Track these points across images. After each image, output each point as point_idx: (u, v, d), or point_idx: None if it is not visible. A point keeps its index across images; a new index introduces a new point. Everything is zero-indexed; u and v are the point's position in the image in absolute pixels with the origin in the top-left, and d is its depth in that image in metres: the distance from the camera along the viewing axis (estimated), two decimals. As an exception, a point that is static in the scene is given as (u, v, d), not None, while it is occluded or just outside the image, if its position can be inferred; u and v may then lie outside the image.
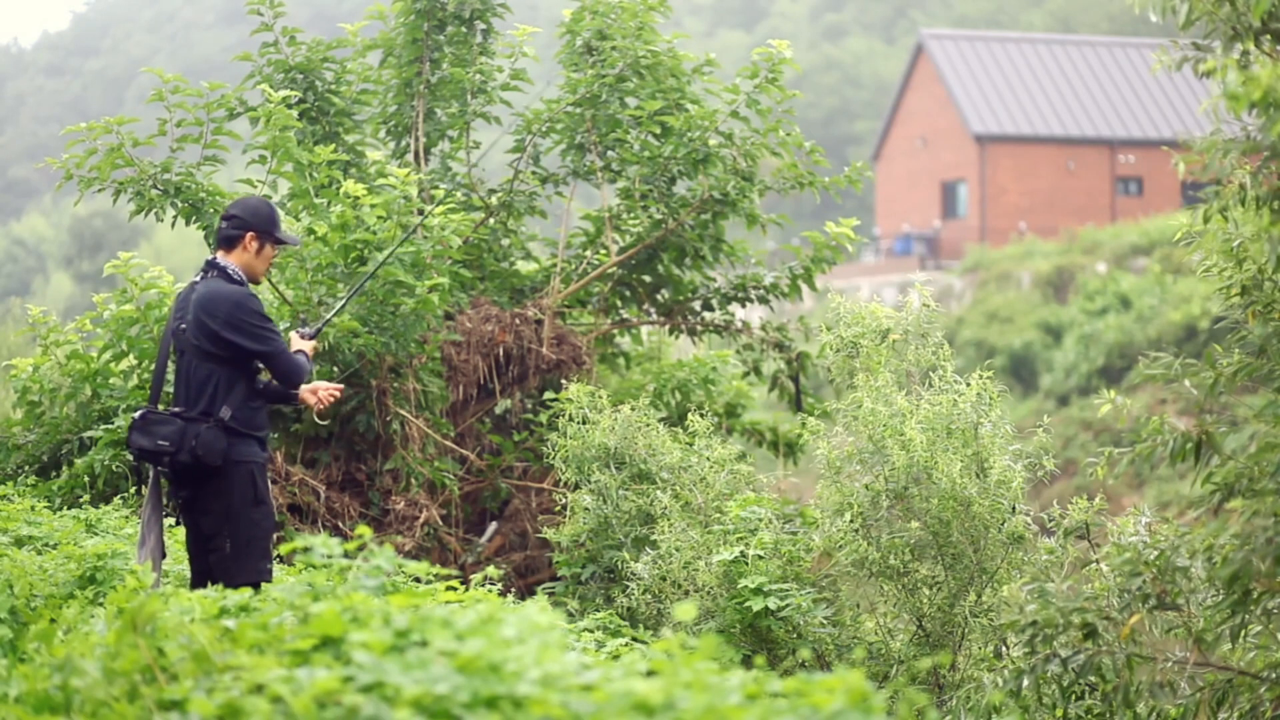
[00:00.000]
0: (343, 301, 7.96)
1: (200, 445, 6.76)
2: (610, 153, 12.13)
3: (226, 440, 6.82)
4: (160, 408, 6.97)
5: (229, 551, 6.79)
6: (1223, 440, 6.21)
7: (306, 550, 4.12)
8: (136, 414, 6.91)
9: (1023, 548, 8.22)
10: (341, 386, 7.52)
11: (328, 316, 7.98)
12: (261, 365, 7.00)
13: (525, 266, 12.45)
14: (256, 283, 7.18)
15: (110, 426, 10.12)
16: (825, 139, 62.32)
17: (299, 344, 7.28)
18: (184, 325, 6.99)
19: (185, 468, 6.78)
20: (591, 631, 8.40)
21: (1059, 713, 7.37)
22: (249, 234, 7.11)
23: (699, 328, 12.35)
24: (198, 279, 7.11)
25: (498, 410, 11.47)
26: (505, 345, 11.40)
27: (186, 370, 6.96)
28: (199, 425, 6.80)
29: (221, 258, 7.11)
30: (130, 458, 9.90)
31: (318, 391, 7.30)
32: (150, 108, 11.90)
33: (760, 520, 8.62)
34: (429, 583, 7.93)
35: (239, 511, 6.82)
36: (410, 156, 12.00)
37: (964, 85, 50.73)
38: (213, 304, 6.93)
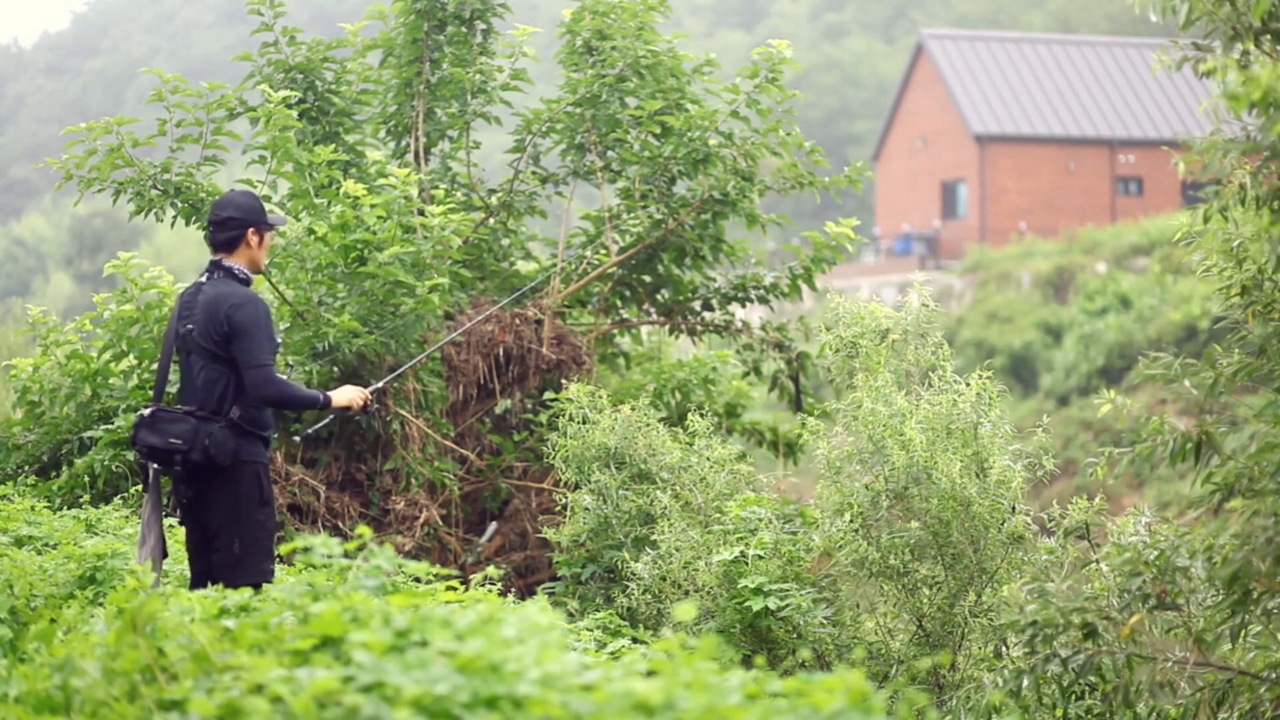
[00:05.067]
0: (403, 367, 8.16)
1: (213, 444, 6.75)
2: (610, 153, 12.13)
3: (236, 440, 6.83)
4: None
5: (235, 552, 6.79)
6: (1223, 440, 6.21)
7: (306, 550, 4.12)
8: (145, 412, 6.87)
9: (1023, 548, 8.21)
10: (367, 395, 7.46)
11: (388, 379, 8.11)
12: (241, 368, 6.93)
13: (525, 266, 12.45)
14: (259, 273, 7.21)
15: (110, 426, 10.11)
16: (825, 139, 62.33)
17: (354, 391, 7.29)
18: (191, 326, 6.96)
19: (196, 466, 6.77)
20: (591, 631, 8.40)
21: (1059, 713, 7.37)
22: (248, 230, 7.11)
23: (699, 328, 12.35)
24: (203, 280, 7.08)
25: (498, 410, 11.47)
26: (505, 345, 11.40)
27: (193, 371, 6.94)
28: (211, 424, 6.79)
29: (225, 259, 7.10)
30: (131, 457, 9.90)
31: (354, 401, 7.30)
32: (150, 108, 11.91)
33: (760, 520, 8.62)
34: (429, 583, 7.94)
35: (245, 511, 6.82)
36: (410, 156, 12.00)
37: (964, 85, 50.73)
38: (222, 305, 6.92)
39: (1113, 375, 35.49)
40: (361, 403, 7.31)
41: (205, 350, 6.91)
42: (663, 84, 11.88)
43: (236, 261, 7.09)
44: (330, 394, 7.20)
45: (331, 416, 7.59)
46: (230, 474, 6.82)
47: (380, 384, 7.96)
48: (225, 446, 6.78)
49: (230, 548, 6.80)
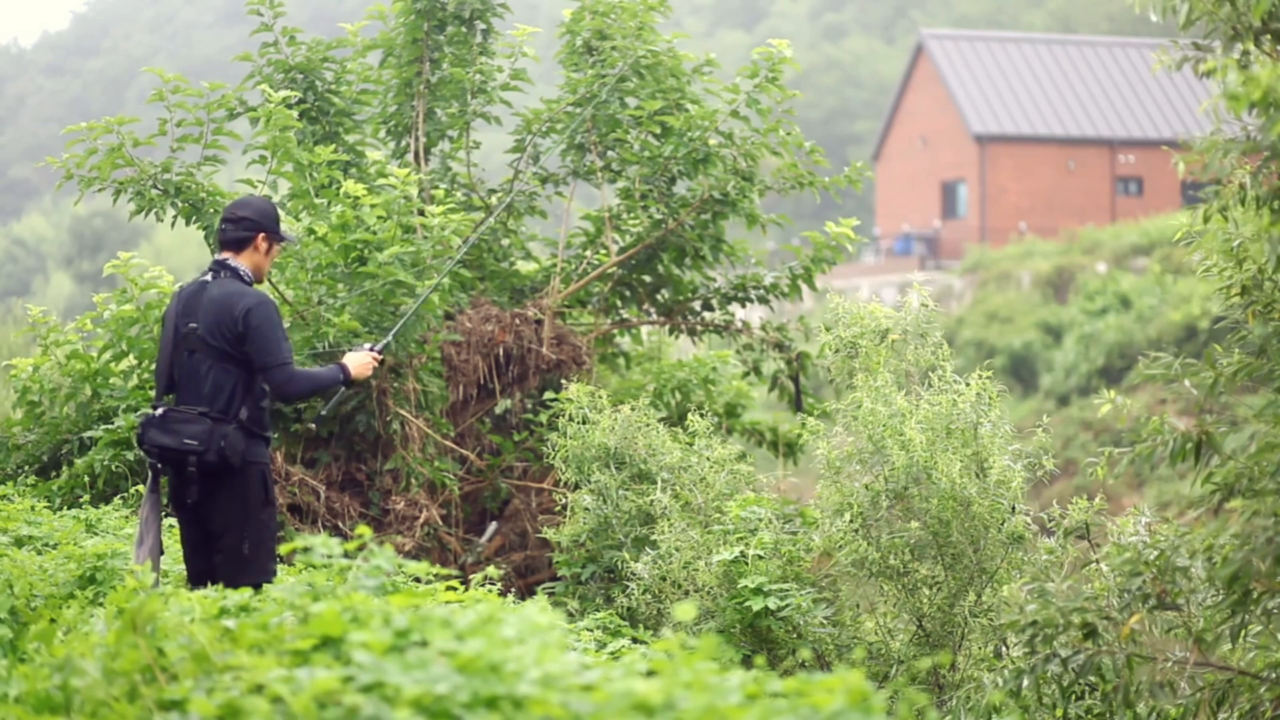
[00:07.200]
0: (404, 319, 8.28)
1: (228, 445, 6.75)
2: (610, 153, 12.13)
3: (246, 441, 6.82)
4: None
5: (242, 553, 6.78)
6: (1223, 440, 6.22)
7: (306, 550, 4.12)
8: (155, 411, 6.84)
9: (1023, 548, 8.22)
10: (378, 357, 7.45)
11: (391, 333, 8.14)
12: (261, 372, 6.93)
13: (525, 266, 12.45)
14: (260, 282, 7.17)
15: (110, 426, 10.11)
16: (825, 139, 62.30)
17: (364, 356, 7.27)
18: (194, 324, 6.93)
19: (209, 467, 6.76)
20: (591, 631, 8.40)
21: (1059, 713, 7.37)
22: (260, 234, 7.09)
23: (699, 328, 12.35)
24: (207, 278, 7.05)
25: (498, 410, 11.47)
26: (505, 345, 11.40)
27: (196, 370, 6.90)
28: (225, 426, 6.78)
29: (232, 259, 7.07)
30: (131, 457, 9.90)
31: (368, 366, 7.29)
32: (150, 108, 11.90)
33: (760, 520, 8.62)
34: (429, 583, 7.93)
35: (251, 513, 6.81)
36: (410, 156, 12.00)
37: (964, 85, 50.73)
38: (233, 305, 6.88)
39: (1113, 375, 35.49)
40: (374, 365, 7.32)
41: (214, 349, 6.87)
42: (663, 84, 11.88)
43: (242, 263, 7.07)
44: (345, 364, 7.21)
45: (347, 392, 7.56)
46: (238, 475, 6.81)
47: (386, 339, 7.91)
48: (237, 448, 6.78)
49: (235, 549, 6.79)
